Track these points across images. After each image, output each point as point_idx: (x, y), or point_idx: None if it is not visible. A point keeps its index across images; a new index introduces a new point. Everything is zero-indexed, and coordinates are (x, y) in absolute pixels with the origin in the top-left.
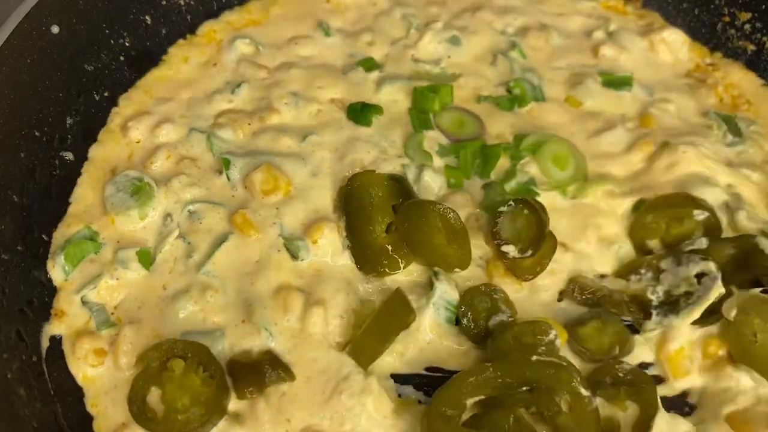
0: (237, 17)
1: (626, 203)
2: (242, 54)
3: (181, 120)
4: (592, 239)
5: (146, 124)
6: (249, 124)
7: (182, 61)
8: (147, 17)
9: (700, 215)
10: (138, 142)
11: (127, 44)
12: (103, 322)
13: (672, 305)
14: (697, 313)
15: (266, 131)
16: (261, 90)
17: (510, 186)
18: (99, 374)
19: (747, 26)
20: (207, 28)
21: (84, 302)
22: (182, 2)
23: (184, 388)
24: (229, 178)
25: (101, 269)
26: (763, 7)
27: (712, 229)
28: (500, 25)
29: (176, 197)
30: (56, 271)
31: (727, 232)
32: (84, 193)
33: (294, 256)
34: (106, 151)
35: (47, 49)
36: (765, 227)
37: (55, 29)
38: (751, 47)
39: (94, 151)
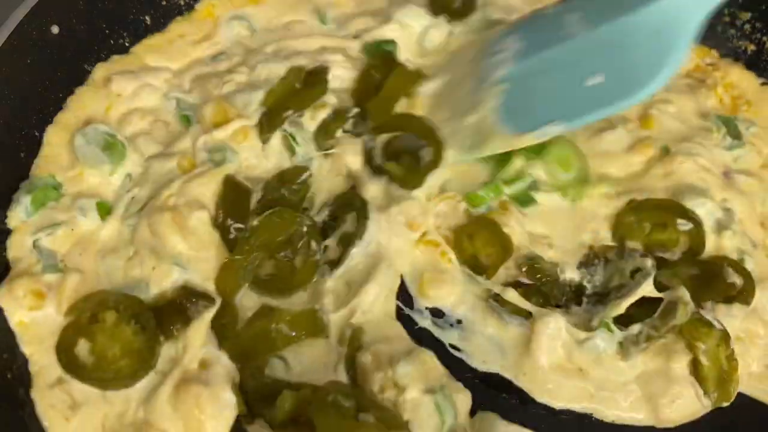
0: None
1: (620, 203)
2: (237, 34)
3: (164, 86)
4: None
5: (130, 83)
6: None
7: (178, 37)
8: (147, 17)
9: (684, 225)
10: (118, 96)
11: (127, 44)
12: (49, 266)
13: (602, 296)
14: (622, 307)
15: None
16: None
17: (512, 189)
18: (36, 320)
19: (747, 26)
20: (206, 3)
21: (35, 246)
22: (182, 2)
23: (115, 339)
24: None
25: (61, 217)
26: (763, 7)
27: (695, 243)
28: None
29: (141, 156)
30: (17, 212)
31: (709, 250)
32: (53, 140)
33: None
34: (83, 100)
35: (47, 49)
36: (745, 248)
37: (55, 29)
38: (752, 47)
39: (70, 101)
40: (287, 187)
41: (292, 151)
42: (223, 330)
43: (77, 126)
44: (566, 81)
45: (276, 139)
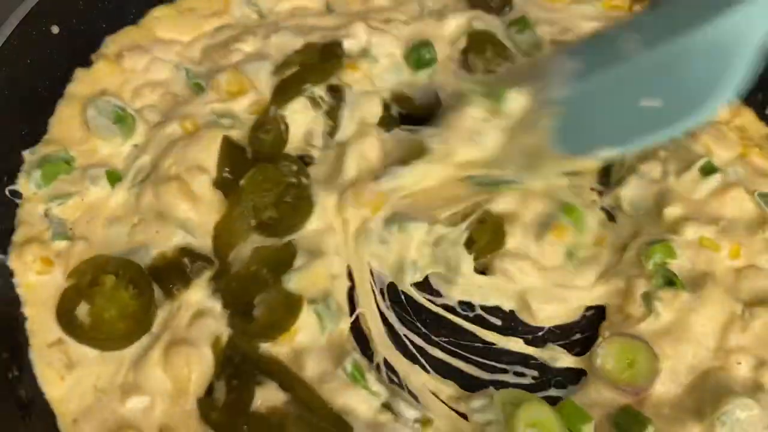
0: None
1: None
2: (246, 16)
3: (174, 58)
4: None
5: (141, 58)
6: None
7: (188, 10)
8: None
9: None
10: (132, 71)
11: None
12: (59, 234)
13: None
14: None
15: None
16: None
17: None
18: (42, 283)
19: None
20: None
21: (47, 215)
22: None
23: (113, 302)
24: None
25: (72, 188)
26: None
27: None
28: None
29: (148, 127)
30: (28, 184)
31: None
32: (66, 113)
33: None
34: (97, 74)
35: (47, 49)
36: None
37: (55, 29)
38: None
39: (81, 73)
40: (262, 129)
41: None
42: (217, 281)
43: (89, 97)
44: (622, 103)
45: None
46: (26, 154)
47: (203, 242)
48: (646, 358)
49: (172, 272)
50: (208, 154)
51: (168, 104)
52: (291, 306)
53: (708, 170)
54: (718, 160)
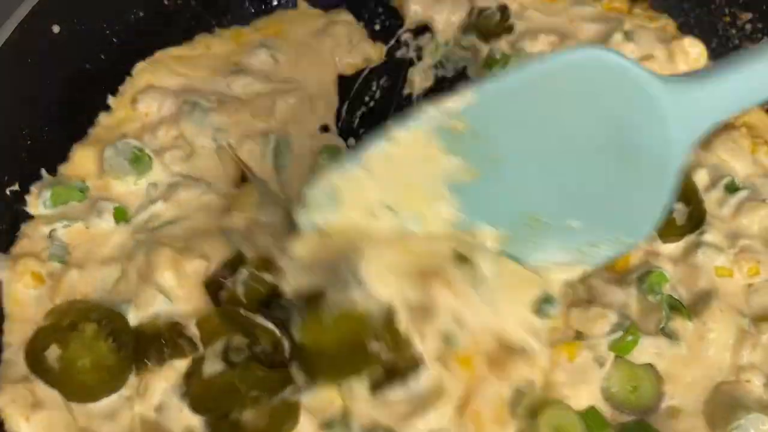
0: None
1: None
2: (261, 61)
3: (186, 96)
4: None
5: (154, 98)
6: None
7: (204, 47)
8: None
9: None
10: (147, 115)
11: (126, 44)
12: (56, 256)
13: None
14: None
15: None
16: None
17: None
18: (27, 299)
19: (748, 26)
20: (234, 31)
21: (50, 235)
22: (181, 3)
23: (89, 351)
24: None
25: (79, 215)
26: (764, 7)
27: None
28: None
29: (168, 170)
30: (37, 203)
31: None
32: (85, 154)
33: None
34: (117, 119)
35: (48, 49)
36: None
37: (55, 29)
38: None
39: (103, 118)
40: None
41: None
42: (189, 379)
43: (108, 140)
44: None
45: None
46: (43, 171)
47: (180, 313)
48: (651, 382)
49: (153, 345)
50: (213, 246)
51: (185, 152)
52: (284, 413)
53: (732, 188)
54: (735, 172)
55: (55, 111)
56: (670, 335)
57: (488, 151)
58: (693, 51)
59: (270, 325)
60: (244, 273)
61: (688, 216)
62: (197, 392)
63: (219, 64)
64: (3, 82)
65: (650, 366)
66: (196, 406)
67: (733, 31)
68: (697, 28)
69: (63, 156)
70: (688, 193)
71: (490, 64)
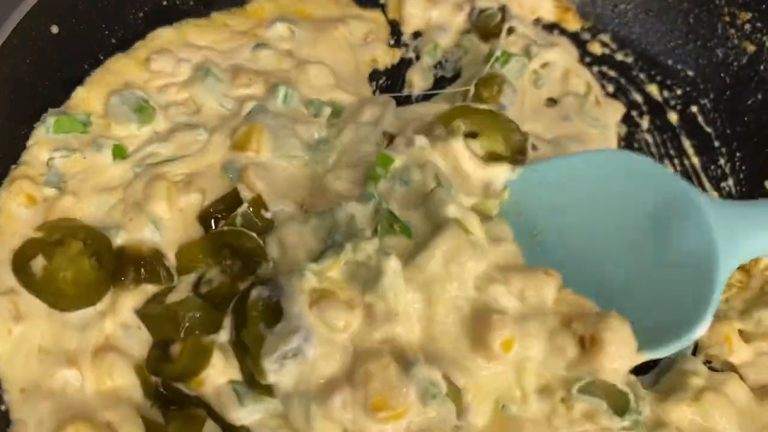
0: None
1: None
2: (279, 35)
3: (201, 64)
4: None
5: (169, 61)
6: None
7: (222, 24)
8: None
9: None
10: (158, 73)
11: (125, 44)
12: (52, 183)
13: None
14: None
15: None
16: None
17: None
18: (19, 215)
19: (747, 26)
20: (256, 5)
21: (48, 163)
22: (178, 1)
23: (71, 266)
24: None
25: (79, 147)
26: (764, 6)
27: None
28: None
29: (171, 120)
30: (40, 130)
31: None
32: (88, 96)
33: None
34: (124, 67)
35: (47, 49)
36: None
37: (54, 29)
38: (752, 47)
39: (111, 63)
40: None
41: None
42: (151, 301)
43: (115, 87)
44: None
45: None
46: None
47: (166, 243)
48: None
49: (132, 266)
50: (210, 181)
51: (191, 108)
52: (201, 353)
53: None
54: None
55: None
56: None
57: (528, 227)
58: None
59: (258, 239)
60: (244, 206)
61: None
62: (151, 312)
63: (239, 36)
64: (2, 82)
65: None
66: (148, 325)
67: (732, 31)
68: (697, 27)
69: None
70: None
71: (489, 61)
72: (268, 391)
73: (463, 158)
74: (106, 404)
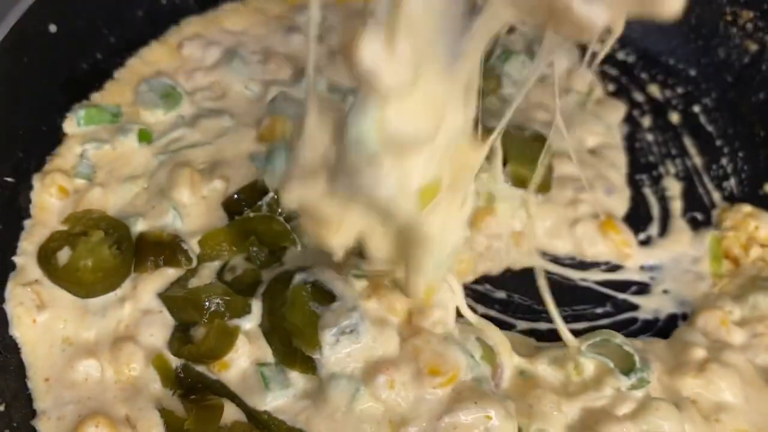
0: None
1: None
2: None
3: (231, 47)
4: None
5: (200, 46)
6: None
7: (256, 9)
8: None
9: None
10: (188, 59)
11: (123, 43)
12: (83, 174)
13: None
14: None
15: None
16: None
17: None
18: (51, 207)
19: (749, 25)
20: None
21: (82, 155)
22: (177, 1)
23: (93, 254)
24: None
25: (108, 137)
26: (765, 6)
27: None
28: None
29: (197, 106)
30: (72, 122)
31: None
32: (120, 87)
33: None
34: (156, 56)
35: (45, 48)
36: None
37: (52, 28)
38: (754, 47)
39: (144, 53)
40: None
41: None
42: (174, 284)
43: (147, 76)
44: None
45: None
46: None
47: (188, 230)
48: None
49: (155, 250)
50: (235, 169)
51: (216, 93)
52: (227, 335)
53: None
54: None
55: (53, 110)
56: None
57: None
58: None
59: (285, 224)
60: (271, 194)
61: None
62: (173, 295)
63: (273, 21)
64: (1, 82)
65: None
66: (170, 308)
67: (734, 30)
68: (699, 26)
69: None
70: None
71: (490, 59)
72: (311, 367)
73: None
74: (125, 396)
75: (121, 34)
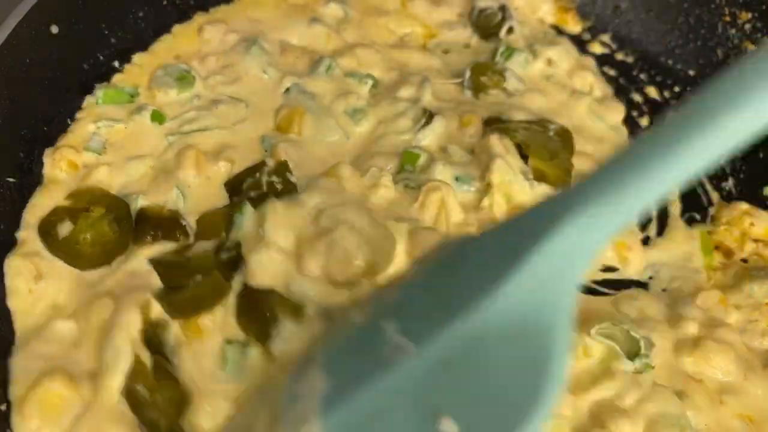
0: None
1: None
2: (333, 14)
3: (250, 35)
4: None
5: (219, 30)
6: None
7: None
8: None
9: None
10: (206, 43)
11: (125, 44)
12: (93, 148)
13: None
14: None
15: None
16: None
17: None
18: (61, 180)
19: (747, 26)
20: None
21: (95, 132)
22: (178, 1)
23: (92, 229)
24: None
25: (123, 117)
26: (764, 7)
27: None
28: None
29: (210, 89)
30: (89, 100)
31: None
32: (139, 71)
33: None
34: (177, 41)
35: (46, 49)
36: None
37: (54, 29)
38: (752, 48)
39: (165, 39)
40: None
41: None
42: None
43: (166, 59)
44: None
45: None
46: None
47: (189, 209)
48: None
49: (153, 226)
50: (242, 154)
51: (230, 77)
52: (219, 288)
53: None
54: None
55: (53, 111)
56: None
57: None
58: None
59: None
60: (270, 166)
61: None
62: (164, 259)
63: (295, 11)
64: (2, 83)
65: None
66: (159, 272)
67: (733, 31)
68: (697, 27)
69: None
70: None
71: (495, 57)
72: None
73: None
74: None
75: (119, 35)
